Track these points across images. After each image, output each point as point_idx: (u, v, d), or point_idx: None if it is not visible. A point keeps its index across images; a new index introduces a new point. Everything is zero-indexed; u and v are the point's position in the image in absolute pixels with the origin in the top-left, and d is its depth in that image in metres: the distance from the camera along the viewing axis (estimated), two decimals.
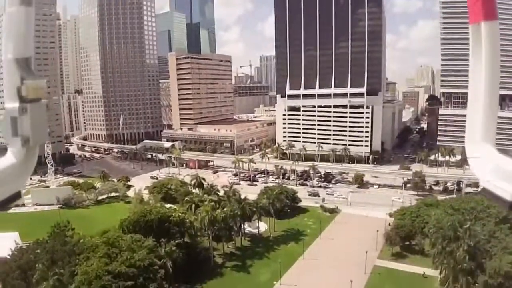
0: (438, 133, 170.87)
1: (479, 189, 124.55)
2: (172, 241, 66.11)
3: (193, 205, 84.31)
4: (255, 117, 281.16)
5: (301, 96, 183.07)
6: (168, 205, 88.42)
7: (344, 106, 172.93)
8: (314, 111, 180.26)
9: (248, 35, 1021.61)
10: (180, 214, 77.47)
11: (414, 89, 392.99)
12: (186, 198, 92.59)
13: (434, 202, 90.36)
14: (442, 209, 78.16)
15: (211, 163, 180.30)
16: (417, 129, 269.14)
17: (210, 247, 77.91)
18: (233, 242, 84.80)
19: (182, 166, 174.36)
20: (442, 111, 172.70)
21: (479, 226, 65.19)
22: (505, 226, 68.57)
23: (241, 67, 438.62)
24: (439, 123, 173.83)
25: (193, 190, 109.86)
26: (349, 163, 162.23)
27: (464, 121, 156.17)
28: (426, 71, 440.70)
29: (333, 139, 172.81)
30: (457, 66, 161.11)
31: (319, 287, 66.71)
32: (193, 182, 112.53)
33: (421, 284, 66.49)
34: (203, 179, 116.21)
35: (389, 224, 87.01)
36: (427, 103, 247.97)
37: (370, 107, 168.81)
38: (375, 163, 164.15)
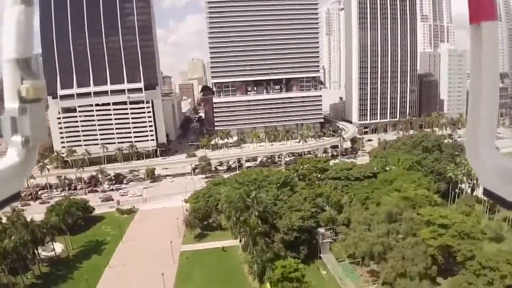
0: (215, 120, 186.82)
1: (257, 162, 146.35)
2: None
3: None
4: None
5: (75, 95, 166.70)
6: None
7: (124, 103, 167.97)
8: (93, 111, 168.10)
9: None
10: None
11: (189, 81, 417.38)
12: None
13: (222, 181, 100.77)
14: (229, 185, 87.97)
15: None
16: (196, 118, 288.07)
17: (9, 282, 65.97)
18: (31, 271, 73.32)
19: None
20: (215, 99, 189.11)
21: (264, 193, 76.44)
22: (286, 189, 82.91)
23: None
24: (214, 111, 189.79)
25: None
26: (138, 159, 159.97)
27: (235, 106, 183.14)
28: (198, 64, 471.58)
29: (118, 138, 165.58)
30: (224, 58, 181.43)
31: None
32: None
33: (224, 256, 73.97)
34: None
35: (187, 210, 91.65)
36: (201, 93, 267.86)
37: (150, 101, 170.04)
38: (163, 155, 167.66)
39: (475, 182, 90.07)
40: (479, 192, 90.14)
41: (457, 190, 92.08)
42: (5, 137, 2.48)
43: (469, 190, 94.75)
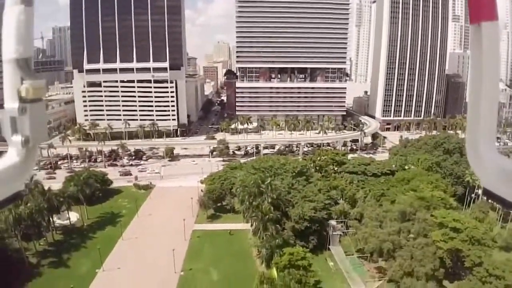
0: (236, 104, 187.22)
1: (275, 150, 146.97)
2: None
3: None
4: (50, 96, 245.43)
5: (101, 70, 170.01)
6: None
7: (149, 81, 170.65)
8: (117, 86, 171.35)
9: (38, 2, 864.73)
10: None
11: (213, 64, 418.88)
12: None
13: (238, 165, 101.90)
14: (245, 170, 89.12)
15: None
16: (218, 101, 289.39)
17: (21, 248, 68.43)
18: (45, 238, 76.01)
19: None
20: (238, 84, 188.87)
21: (278, 181, 77.21)
22: (302, 179, 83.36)
23: None
24: (236, 95, 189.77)
25: None
26: (158, 137, 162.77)
27: (257, 92, 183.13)
28: (223, 47, 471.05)
29: (140, 115, 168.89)
30: (250, 43, 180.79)
31: (143, 263, 67.40)
32: None
33: (233, 239, 75.76)
34: None
35: (202, 191, 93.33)
36: (225, 77, 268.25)
37: (174, 81, 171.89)
38: (183, 135, 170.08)
39: None
40: None
41: (473, 195, 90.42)
42: (5, 137, 2.54)
43: (485, 197, 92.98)
